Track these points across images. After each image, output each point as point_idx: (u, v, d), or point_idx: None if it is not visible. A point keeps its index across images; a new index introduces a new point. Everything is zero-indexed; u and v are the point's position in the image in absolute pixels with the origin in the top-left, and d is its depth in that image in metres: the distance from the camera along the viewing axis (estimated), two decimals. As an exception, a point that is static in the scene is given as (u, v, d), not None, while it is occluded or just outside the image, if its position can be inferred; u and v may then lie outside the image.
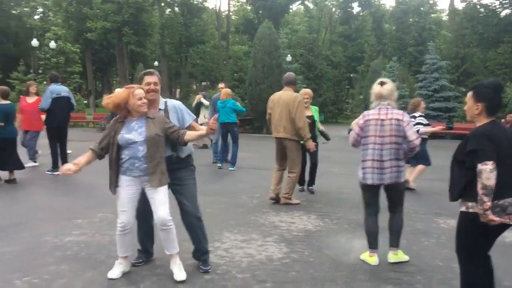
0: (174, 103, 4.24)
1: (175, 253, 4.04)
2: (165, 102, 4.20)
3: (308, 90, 8.08)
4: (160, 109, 4.13)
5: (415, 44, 45.49)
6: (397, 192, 4.51)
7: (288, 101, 6.82)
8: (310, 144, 7.06)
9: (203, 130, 4.10)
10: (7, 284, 3.84)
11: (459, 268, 3.25)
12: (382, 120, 4.35)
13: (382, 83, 4.46)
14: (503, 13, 32.10)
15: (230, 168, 10.39)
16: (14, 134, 8.32)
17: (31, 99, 10.42)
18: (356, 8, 55.56)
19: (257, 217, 6.24)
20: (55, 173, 9.41)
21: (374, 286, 3.96)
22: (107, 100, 3.91)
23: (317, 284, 3.96)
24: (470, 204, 2.99)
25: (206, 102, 13.15)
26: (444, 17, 58.34)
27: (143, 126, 3.87)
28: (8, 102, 8.39)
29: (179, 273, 3.98)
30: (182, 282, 3.92)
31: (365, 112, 4.51)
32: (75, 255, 4.60)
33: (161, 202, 3.88)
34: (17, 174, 9.13)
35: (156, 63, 45.22)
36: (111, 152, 3.92)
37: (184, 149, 4.17)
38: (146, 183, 3.90)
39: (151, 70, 4.25)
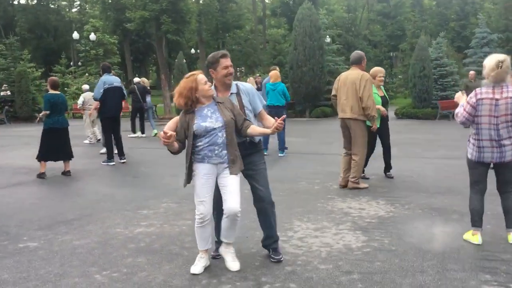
0: (246, 86, 4.08)
1: (232, 242, 3.94)
2: (236, 85, 4.03)
3: (382, 69, 7.72)
4: (232, 93, 3.97)
5: (457, 19, 43.84)
6: (509, 171, 4.38)
7: (355, 80, 6.54)
8: (375, 126, 6.81)
9: (271, 120, 3.95)
10: (87, 278, 3.78)
11: None
12: (497, 99, 4.14)
13: (500, 64, 4.11)
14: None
15: (280, 154, 10.17)
16: (63, 124, 8.37)
17: None
18: (394, -16, 53.80)
19: (323, 204, 6.02)
20: (110, 163, 9.48)
21: (470, 276, 3.68)
22: (176, 99, 3.77)
23: (407, 275, 3.71)
24: None
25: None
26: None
27: (216, 111, 3.73)
28: (57, 92, 8.44)
29: (234, 263, 3.89)
30: (265, 274, 3.76)
31: (478, 90, 4.24)
32: (148, 247, 4.52)
33: (235, 192, 3.74)
34: (80, 165, 9.28)
35: (192, 50, 45.33)
36: (188, 143, 3.79)
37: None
38: (222, 170, 3.75)
39: (225, 52, 4.03)
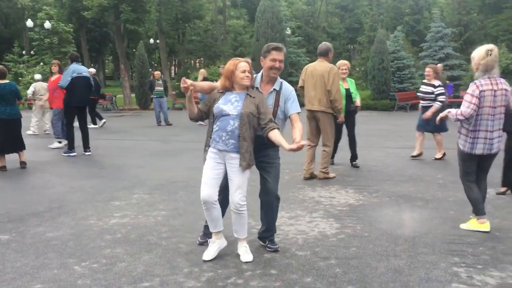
0: (289, 88, 4.11)
1: (243, 238, 3.95)
2: (281, 83, 4.07)
3: (346, 62, 7.91)
4: (274, 89, 4.02)
5: (411, 13, 44.97)
6: (492, 161, 4.63)
7: (323, 72, 6.63)
8: (341, 117, 6.94)
9: (296, 130, 3.81)
10: (66, 270, 3.74)
11: None
12: (495, 90, 4.31)
13: (489, 52, 4.29)
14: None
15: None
16: (11, 115, 8.00)
17: (53, 77, 10.43)
18: (352, -23, 54.62)
19: (295, 193, 6.15)
20: (71, 154, 9.29)
21: (440, 258, 3.89)
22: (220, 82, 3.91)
23: (381, 259, 3.88)
24: None
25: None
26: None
27: (240, 100, 3.76)
28: (5, 81, 8.08)
29: (246, 255, 3.90)
30: (247, 262, 3.84)
31: (477, 82, 4.35)
32: (125, 238, 4.50)
33: (240, 185, 3.77)
34: (40, 157, 9.02)
35: (151, 40, 44.50)
36: (209, 122, 3.90)
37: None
38: (230, 161, 3.76)
39: (280, 45, 4.04)
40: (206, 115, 3.93)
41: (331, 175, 6.97)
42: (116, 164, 8.38)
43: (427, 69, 8.59)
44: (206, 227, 4.13)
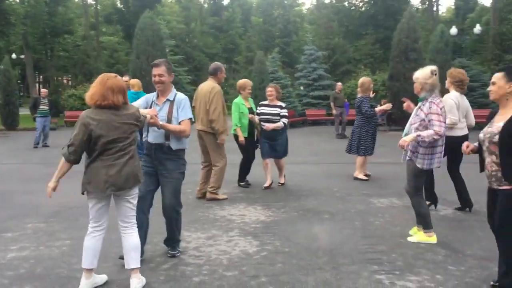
0: (181, 97, 4.37)
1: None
2: (175, 94, 4.31)
3: (250, 82, 7.91)
4: (168, 99, 4.26)
5: (281, 36, 47.54)
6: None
7: (206, 92, 6.62)
8: (222, 139, 6.69)
9: (179, 126, 4.29)
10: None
11: (504, 244, 3.33)
12: (442, 107, 4.56)
13: (434, 72, 4.55)
14: (363, 8, 35.10)
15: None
16: None
17: None
18: (225, -1, 56.15)
19: (204, 213, 6.07)
20: None
21: (361, 268, 4.10)
22: None
23: (308, 273, 3.98)
24: None
25: None
26: (304, 10, 61.96)
27: None
28: None
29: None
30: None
31: (438, 100, 4.55)
32: (31, 273, 4.04)
33: None
34: None
35: (14, 55, 40.96)
36: None
37: (176, 141, 4.24)
38: None
39: (158, 61, 4.26)
40: None
41: (221, 196, 6.83)
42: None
43: (268, 88, 7.65)
44: None
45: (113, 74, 3.67)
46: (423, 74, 4.59)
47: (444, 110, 4.61)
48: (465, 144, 3.78)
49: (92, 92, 3.50)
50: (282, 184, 7.81)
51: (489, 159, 3.39)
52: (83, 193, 3.58)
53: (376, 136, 8.33)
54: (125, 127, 3.54)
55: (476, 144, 3.66)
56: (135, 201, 3.72)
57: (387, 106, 8.13)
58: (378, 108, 8.18)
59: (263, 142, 7.58)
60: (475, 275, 3.88)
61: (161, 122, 4.07)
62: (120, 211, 3.68)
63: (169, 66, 4.29)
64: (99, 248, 3.67)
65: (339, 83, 17.66)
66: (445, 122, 4.54)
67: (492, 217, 3.48)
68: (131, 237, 3.68)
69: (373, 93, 8.44)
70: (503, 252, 3.34)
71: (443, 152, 4.69)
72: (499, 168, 3.25)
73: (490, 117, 3.39)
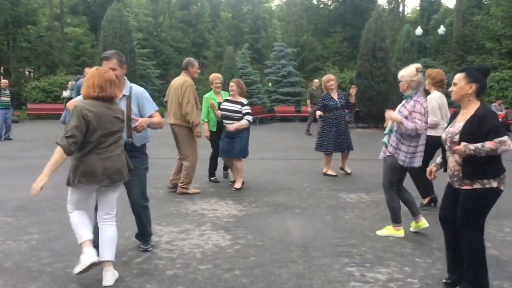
0: (138, 90, 4.11)
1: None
2: (130, 88, 4.04)
3: (219, 75, 7.96)
4: (124, 95, 3.94)
5: (250, 32, 47.57)
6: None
7: (178, 86, 6.66)
8: (198, 131, 6.69)
9: (158, 119, 4.22)
10: None
11: (468, 241, 3.40)
12: (425, 106, 4.61)
13: (419, 69, 4.58)
14: (332, 6, 35.49)
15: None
16: None
17: None
18: (194, -7, 55.60)
19: (176, 208, 6.05)
20: None
21: (332, 260, 4.19)
22: None
23: (282, 266, 4.04)
24: (485, 181, 3.27)
25: (65, 94, 12.07)
26: (273, 6, 62.16)
27: None
28: None
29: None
30: (148, 281, 3.66)
31: (421, 100, 4.57)
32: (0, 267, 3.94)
33: None
34: None
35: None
36: None
37: (139, 137, 4.11)
38: None
39: (108, 53, 3.97)
40: None
41: (193, 191, 6.82)
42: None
43: (230, 83, 7.23)
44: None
45: (104, 68, 3.69)
46: (408, 72, 4.63)
47: (427, 110, 4.70)
48: (427, 172, 3.79)
49: (90, 83, 3.49)
50: (237, 189, 7.07)
51: (451, 159, 3.45)
52: (68, 185, 3.54)
53: (342, 134, 8.36)
54: (117, 120, 3.57)
55: (433, 165, 3.77)
56: (118, 193, 3.75)
57: (352, 89, 8.30)
58: (318, 112, 8.44)
59: (222, 139, 7.24)
60: (441, 266, 4.02)
61: (145, 119, 3.99)
62: (104, 203, 3.70)
63: (121, 59, 4.02)
64: (88, 220, 3.70)
65: (316, 80, 16.94)
66: (426, 122, 4.64)
67: (445, 211, 3.61)
68: (111, 229, 3.69)
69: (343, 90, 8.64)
70: (467, 249, 3.43)
71: (423, 152, 4.75)
72: (460, 168, 3.35)
73: (452, 117, 3.43)
